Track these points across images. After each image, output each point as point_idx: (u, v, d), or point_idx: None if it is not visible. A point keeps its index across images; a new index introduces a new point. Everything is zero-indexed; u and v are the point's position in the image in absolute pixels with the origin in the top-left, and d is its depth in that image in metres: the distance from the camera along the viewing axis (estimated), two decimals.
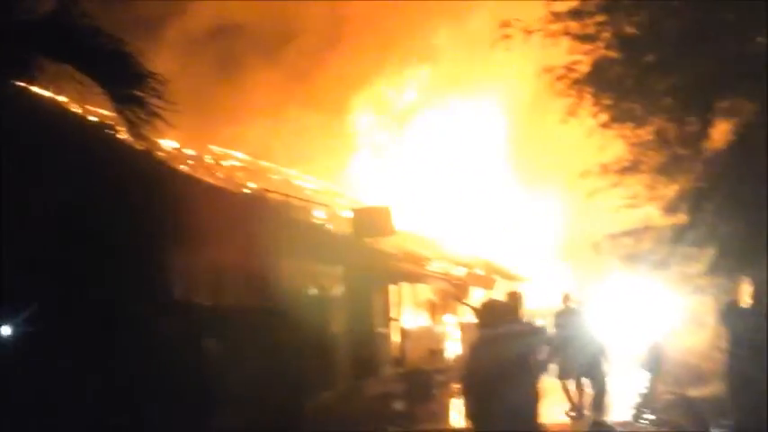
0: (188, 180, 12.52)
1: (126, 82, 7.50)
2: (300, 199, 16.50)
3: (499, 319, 8.16)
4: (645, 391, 17.46)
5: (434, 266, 24.34)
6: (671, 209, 15.24)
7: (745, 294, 20.40)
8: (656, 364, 15.55)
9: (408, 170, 39.22)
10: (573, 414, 15.62)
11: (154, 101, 7.67)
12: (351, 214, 18.34)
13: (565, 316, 15.97)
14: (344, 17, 43.27)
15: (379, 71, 43.22)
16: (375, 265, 17.23)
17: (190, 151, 21.10)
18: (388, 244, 19.16)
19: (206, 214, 10.05)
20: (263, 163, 28.23)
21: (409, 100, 42.67)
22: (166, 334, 9.17)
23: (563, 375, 15.79)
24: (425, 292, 22.60)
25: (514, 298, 14.27)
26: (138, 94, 7.57)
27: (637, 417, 14.96)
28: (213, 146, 25.40)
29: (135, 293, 8.89)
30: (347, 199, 27.94)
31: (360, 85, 43.07)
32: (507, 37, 14.34)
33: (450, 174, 38.87)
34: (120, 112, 7.67)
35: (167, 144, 18.33)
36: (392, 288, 19.34)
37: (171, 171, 11.98)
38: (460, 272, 26.92)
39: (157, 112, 7.68)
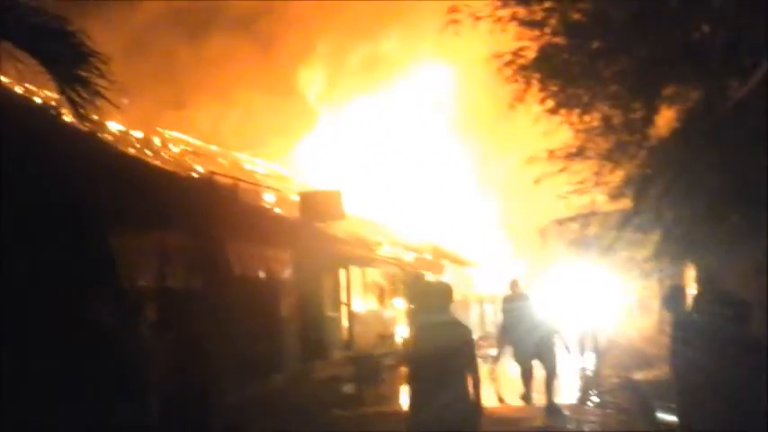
0: (134, 163, 12.35)
1: (70, 61, 7.35)
2: (248, 182, 16.33)
3: (424, 297, 8.38)
4: (590, 374, 17.73)
5: (384, 251, 24.39)
6: (616, 195, 15.45)
7: (690, 279, 20.81)
8: (590, 346, 15.67)
9: (358, 154, 39.20)
10: (525, 398, 15.69)
11: (98, 81, 7.54)
12: (274, 196, 18.06)
13: (513, 301, 15.98)
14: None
15: (328, 54, 43.07)
16: (324, 250, 17.18)
17: (137, 134, 20.81)
18: (338, 228, 19.13)
19: (152, 197, 9.97)
20: (212, 147, 27.99)
21: (358, 84, 42.54)
22: (103, 318, 9.04)
23: (516, 359, 15.85)
24: (375, 276, 22.60)
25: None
26: (83, 74, 7.43)
27: (583, 399, 15.15)
28: (162, 129, 25.07)
29: (75, 278, 8.76)
30: (297, 183, 27.84)
31: (310, 68, 42.89)
32: (455, 22, 14.34)
33: (399, 159, 38.92)
34: (63, 92, 7.51)
35: (114, 126, 18.08)
36: (342, 272, 19.33)
37: (116, 153, 11.83)
38: (409, 257, 26.99)
39: (102, 93, 7.55)
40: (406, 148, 39.54)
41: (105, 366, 8.87)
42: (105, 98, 7.55)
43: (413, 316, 21.27)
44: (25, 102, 10.57)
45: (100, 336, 8.95)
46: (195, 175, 16.67)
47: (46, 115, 9.25)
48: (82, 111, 7.54)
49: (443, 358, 7.36)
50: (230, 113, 41.29)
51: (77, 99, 7.39)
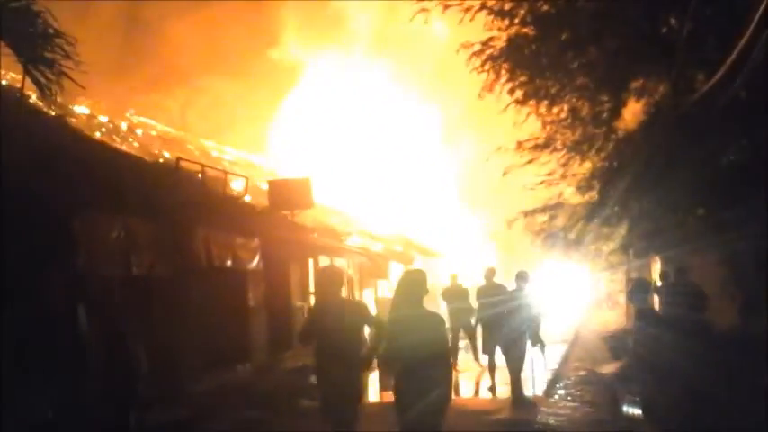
0: (98, 147, 12.19)
1: (35, 41, 7.25)
2: (216, 169, 16.15)
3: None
4: (556, 366, 17.79)
5: (353, 241, 24.30)
6: (584, 187, 15.54)
7: (655, 272, 20.98)
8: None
9: (328, 143, 39.01)
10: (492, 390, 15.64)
11: (63, 62, 7.46)
12: (243, 183, 17.81)
13: (488, 291, 15.83)
14: None
15: (298, 39, 42.87)
16: (292, 239, 17.06)
17: (103, 118, 20.56)
18: (306, 217, 19.01)
19: (116, 183, 9.86)
20: (180, 133, 27.71)
21: (330, 71, 42.35)
22: (54, 304, 8.95)
23: (485, 351, 15.80)
24: (344, 266, 22.52)
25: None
26: (47, 54, 7.34)
27: (549, 392, 15.19)
28: (130, 114, 24.75)
29: (36, 263, 8.66)
30: (266, 171, 27.67)
31: (280, 54, 42.66)
32: (425, 10, 14.38)
33: (369, 149, 38.86)
34: (28, 72, 7.41)
35: (80, 110, 17.86)
36: (310, 262, 19.22)
37: (81, 137, 11.69)
38: (378, 247, 26.94)
39: (67, 74, 7.47)
40: (376, 139, 39.44)
41: (49, 351, 8.77)
42: (71, 79, 7.46)
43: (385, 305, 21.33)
44: None
45: (49, 321, 8.85)
46: (161, 160, 16.42)
47: (10, 97, 9.12)
48: (47, 92, 7.44)
49: (420, 351, 7.36)
50: (199, 99, 40.99)
51: (42, 80, 7.29)
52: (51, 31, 7.19)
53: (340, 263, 21.01)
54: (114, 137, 18.16)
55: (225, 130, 35.43)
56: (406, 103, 40.56)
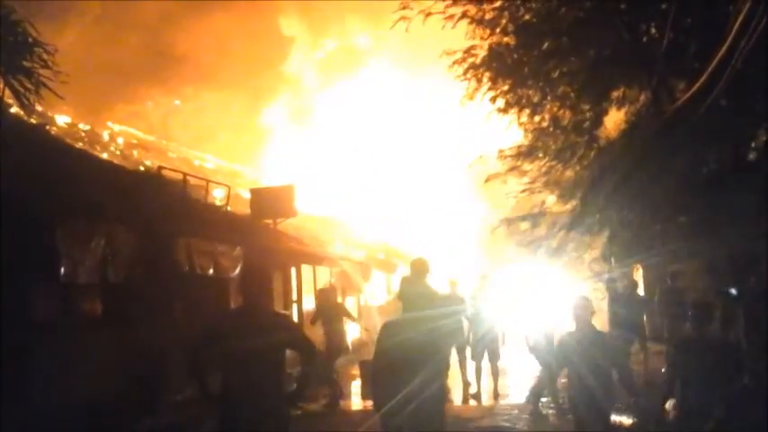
0: (79, 156, 12.14)
1: (14, 50, 7.20)
2: (197, 177, 16.12)
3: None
4: (540, 374, 17.78)
5: (335, 249, 24.32)
6: (566, 195, 15.59)
7: (637, 279, 21.06)
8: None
9: (310, 151, 39.08)
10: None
11: (43, 71, 7.42)
12: (224, 192, 17.78)
13: (478, 296, 15.84)
14: None
15: (281, 50, 43.00)
16: (275, 247, 17.03)
17: (84, 127, 20.54)
18: (288, 225, 19.01)
19: (98, 191, 9.83)
20: (161, 141, 27.78)
21: (313, 79, 42.51)
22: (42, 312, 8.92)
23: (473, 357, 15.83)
24: (327, 274, 22.50)
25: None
26: (26, 64, 7.30)
27: (532, 400, 15.16)
28: (111, 122, 24.80)
29: (17, 270, 8.62)
30: (249, 179, 27.73)
31: (262, 63, 42.73)
32: (405, 18, 14.38)
33: (352, 157, 38.95)
34: (6, 82, 7.36)
35: (61, 120, 17.86)
36: (293, 270, 19.19)
37: (63, 147, 11.65)
38: (360, 255, 26.97)
39: (46, 84, 7.44)
40: (360, 146, 39.55)
41: (43, 359, 8.76)
42: (49, 89, 7.43)
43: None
44: None
45: (37, 329, 8.84)
46: (141, 168, 16.41)
47: None
48: (25, 101, 7.40)
49: (411, 354, 6.79)
50: (180, 108, 41.01)
51: (20, 89, 7.25)
52: (31, 40, 7.13)
53: (322, 271, 21.02)
54: (96, 145, 18.17)
55: (207, 139, 35.46)
56: (387, 107, 40.62)
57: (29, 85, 7.26)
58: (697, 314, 7.41)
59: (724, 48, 8.24)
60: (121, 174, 12.67)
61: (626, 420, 11.24)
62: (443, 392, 7.22)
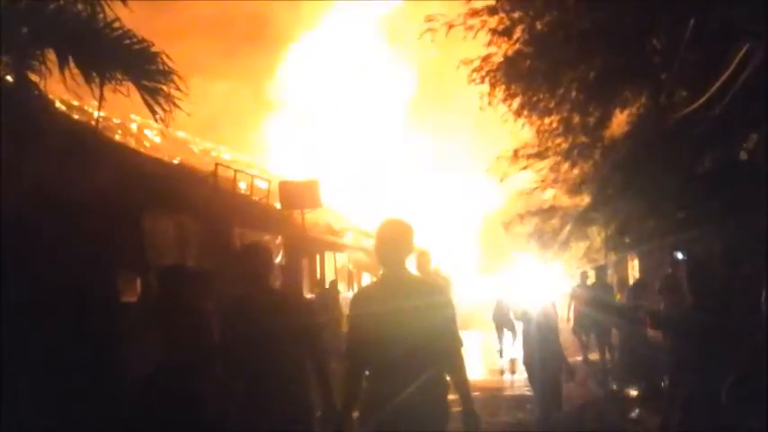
0: (155, 163, 13.47)
1: (156, 77, 8.28)
2: (246, 173, 17.38)
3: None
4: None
5: (347, 238, 25.52)
6: (574, 191, 16.82)
7: (632, 269, 22.36)
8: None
9: (315, 141, 39.61)
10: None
11: (174, 93, 8.51)
12: (266, 185, 18.75)
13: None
14: None
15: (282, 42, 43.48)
16: (305, 236, 18.20)
17: (116, 120, 21.55)
18: (308, 216, 20.16)
19: (172, 191, 11.11)
20: (180, 133, 28.67)
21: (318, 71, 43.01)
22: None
23: None
24: (344, 261, 23.69)
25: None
26: (164, 88, 8.34)
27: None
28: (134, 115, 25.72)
29: (108, 259, 9.74)
30: (264, 171, 28.74)
31: (267, 54, 43.22)
32: (431, 30, 15.51)
33: (362, 149, 39.58)
34: (148, 104, 8.36)
35: (95, 112, 18.83)
36: (317, 258, 20.42)
37: (134, 150, 12.93)
38: (368, 244, 28.11)
39: (177, 104, 8.50)
40: (367, 137, 40.16)
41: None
42: (179, 108, 8.58)
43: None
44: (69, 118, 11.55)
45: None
46: (203, 170, 17.59)
47: (89, 128, 10.26)
48: (161, 119, 8.58)
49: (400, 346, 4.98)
50: (185, 99, 41.59)
51: (158, 109, 8.40)
52: (168, 69, 8.31)
53: (341, 258, 22.25)
54: (129, 138, 19.29)
55: (209, 129, 36.11)
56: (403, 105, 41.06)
57: (165, 107, 8.42)
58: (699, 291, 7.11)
59: (726, 75, 9.42)
60: (186, 172, 13.96)
61: None
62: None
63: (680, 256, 16.51)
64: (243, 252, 6.46)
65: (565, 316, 16.47)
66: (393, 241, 5.17)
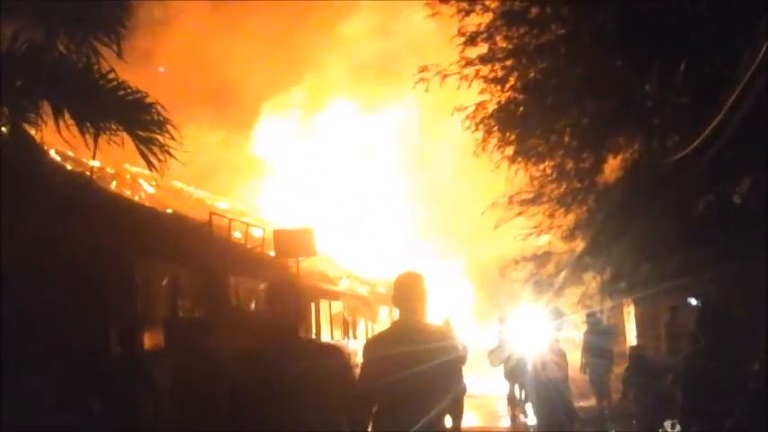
0: (142, 207, 13.48)
1: (150, 127, 8.34)
2: (241, 222, 17.43)
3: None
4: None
5: (342, 285, 25.49)
6: (568, 237, 16.83)
7: (627, 314, 22.32)
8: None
9: (310, 190, 39.75)
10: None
11: (169, 143, 8.53)
12: (260, 233, 18.78)
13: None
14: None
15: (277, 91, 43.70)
16: (300, 284, 18.14)
17: (110, 170, 21.60)
18: (303, 263, 20.13)
19: (164, 237, 11.10)
20: (176, 182, 28.73)
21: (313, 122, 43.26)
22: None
23: None
24: (339, 308, 23.61)
25: None
26: (159, 137, 8.38)
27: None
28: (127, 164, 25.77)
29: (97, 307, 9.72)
30: (259, 219, 28.75)
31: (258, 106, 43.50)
32: (424, 80, 15.62)
33: (354, 195, 39.70)
34: (142, 153, 8.39)
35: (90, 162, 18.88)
36: (312, 306, 20.36)
37: (128, 200, 12.96)
38: (364, 290, 28.06)
39: (171, 153, 8.54)
40: (359, 184, 40.30)
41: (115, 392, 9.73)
42: (174, 157, 8.63)
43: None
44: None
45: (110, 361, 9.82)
46: (198, 219, 17.62)
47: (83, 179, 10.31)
48: (155, 169, 8.61)
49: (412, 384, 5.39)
50: (178, 147, 41.58)
51: (153, 159, 8.44)
52: (163, 119, 8.37)
53: (336, 306, 22.20)
54: (123, 188, 19.31)
55: (207, 178, 36.17)
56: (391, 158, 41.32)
57: (160, 156, 8.46)
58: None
59: (715, 121, 9.51)
60: (180, 222, 14.00)
61: None
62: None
63: (693, 301, 16.63)
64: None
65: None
66: (410, 291, 5.80)
